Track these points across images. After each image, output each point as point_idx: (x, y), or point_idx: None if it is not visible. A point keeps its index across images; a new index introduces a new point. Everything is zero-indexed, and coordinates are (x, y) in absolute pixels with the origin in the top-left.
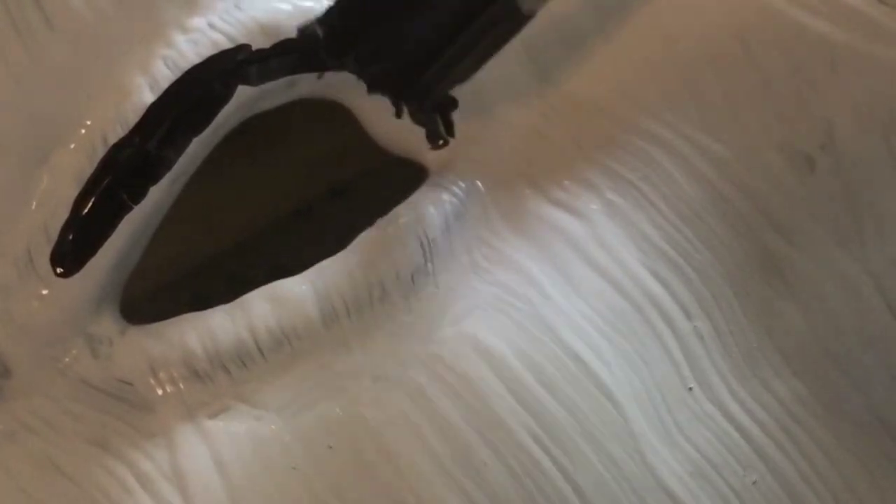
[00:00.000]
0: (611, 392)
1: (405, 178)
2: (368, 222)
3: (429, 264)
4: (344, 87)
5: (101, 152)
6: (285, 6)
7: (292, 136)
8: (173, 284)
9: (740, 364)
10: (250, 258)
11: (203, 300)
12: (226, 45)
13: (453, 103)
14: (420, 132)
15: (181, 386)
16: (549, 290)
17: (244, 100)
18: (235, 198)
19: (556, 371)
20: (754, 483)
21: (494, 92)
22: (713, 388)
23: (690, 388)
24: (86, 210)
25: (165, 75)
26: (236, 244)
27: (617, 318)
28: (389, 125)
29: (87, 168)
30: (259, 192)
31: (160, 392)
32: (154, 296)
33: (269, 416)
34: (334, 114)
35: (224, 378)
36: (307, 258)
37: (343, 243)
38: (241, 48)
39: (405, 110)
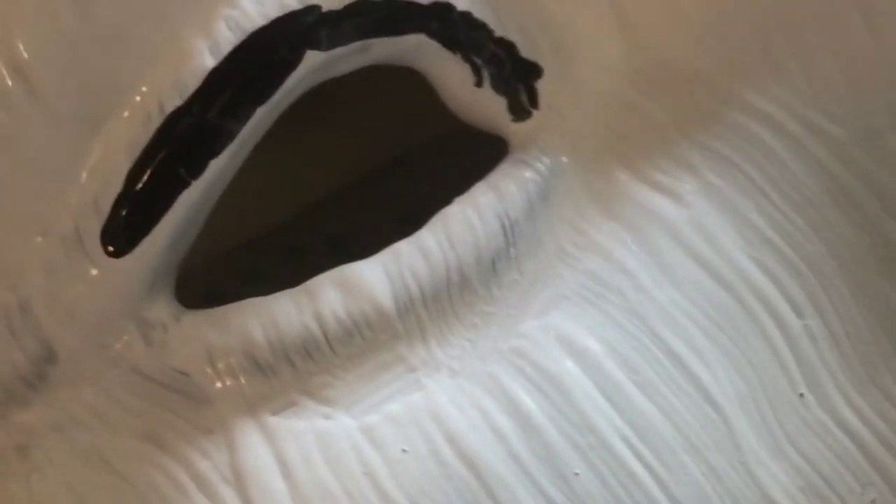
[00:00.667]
0: (712, 396)
1: (483, 151)
2: (439, 197)
3: (511, 249)
4: (420, 52)
5: (157, 122)
6: None
7: (357, 103)
8: (228, 258)
9: (857, 369)
10: (308, 229)
11: (260, 274)
12: (294, 5)
13: (538, 71)
14: (501, 102)
15: (242, 378)
16: (643, 281)
17: (313, 66)
18: (294, 166)
19: (652, 370)
20: (873, 502)
21: (582, 60)
22: (827, 394)
23: (801, 395)
24: (140, 184)
25: (228, 38)
26: (294, 215)
27: (718, 313)
28: (468, 94)
29: (143, 138)
30: (319, 161)
31: (218, 385)
32: (208, 269)
33: (338, 413)
34: (406, 80)
35: (289, 371)
36: (368, 231)
37: (409, 218)
38: (311, 9)
39: (486, 77)
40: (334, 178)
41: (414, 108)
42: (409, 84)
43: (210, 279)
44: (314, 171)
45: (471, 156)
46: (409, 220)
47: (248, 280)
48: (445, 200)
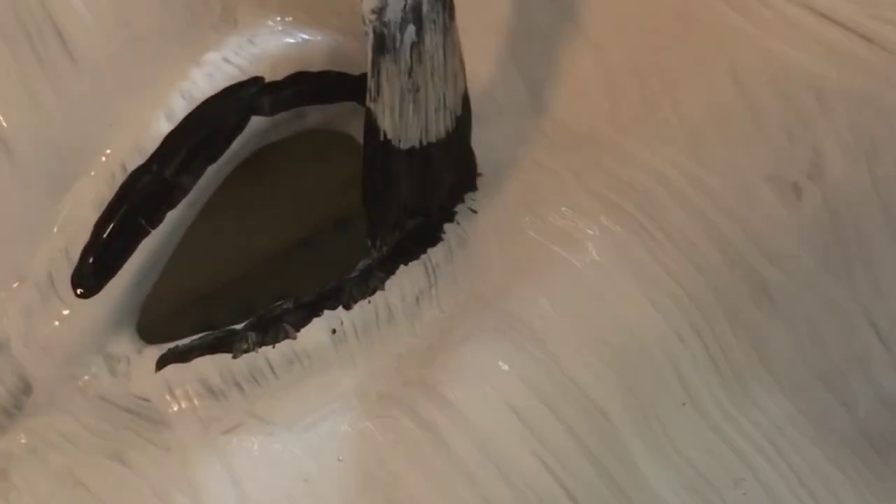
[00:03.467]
0: (605, 409)
1: None
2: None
3: (433, 289)
4: (353, 119)
5: (120, 179)
6: (297, 40)
7: (299, 167)
8: (185, 309)
9: (732, 383)
10: (257, 285)
11: (212, 324)
12: (240, 77)
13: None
14: None
15: (196, 402)
16: (548, 315)
17: (257, 130)
18: (243, 226)
19: (554, 390)
20: (744, 495)
21: (494, 125)
22: (705, 406)
23: (683, 404)
24: (106, 234)
25: (182, 106)
26: (243, 271)
27: (614, 339)
28: None
29: (107, 194)
30: (266, 221)
31: (176, 408)
32: (167, 320)
33: (281, 431)
34: (341, 145)
35: (237, 395)
36: (310, 286)
37: (345, 272)
38: (255, 80)
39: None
40: (279, 240)
41: (351, 173)
42: (347, 151)
43: (168, 331)
44: (264, 230)
45: None
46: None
47: (203, 331)
48: None
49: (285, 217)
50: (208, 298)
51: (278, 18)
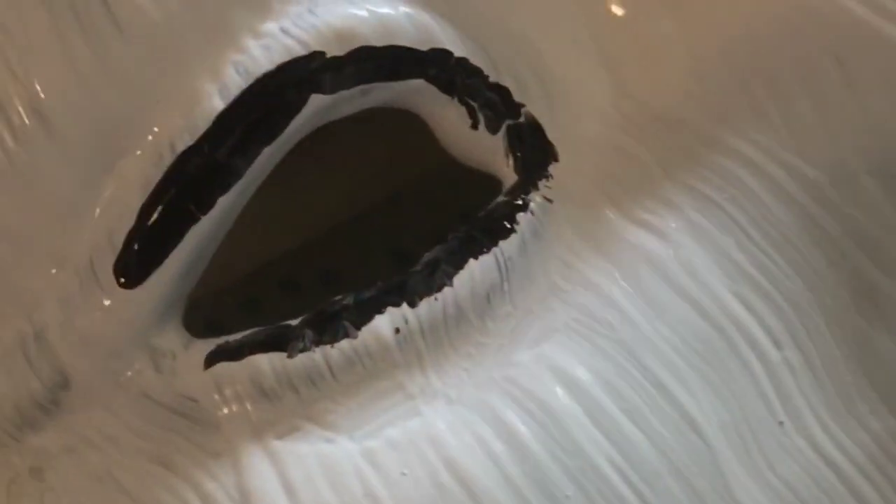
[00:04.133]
0: (697, 423)
1: (475, 189)
2: (430, 233)
3: (505, 284)
4: (418, 96)
5: (168, 160)
6: (361, 12)
7: (352, 141)
8: (227, 290)
9: (833, 399)
10: (304, 264)
11: (257, 305)
12: (299, 51)
13: (529, 115)
14: (496, 142)
15: (248, 405)
16: (630, 314)
17: (317, 108)
18: (291, 202)
19: (639, 399)
20: None
21: (572, 106)
22: (805, 422)
23: (781, 422)
24: (152, 220)
25: (236, 82)
26: (290, 250)
27: (702, 344)
28: (464, 135)
29: (154, 176)
30: (315, 198)
31: (225, 410)
32: (209, 300)
33: (341, 438)
34: (399, 119)
35: (293, 398)
36: (361, 265)
37: (401, 253)
38: (315, 55)
39: (481, 119)
40: (329, 214)
41: (406, 146)
42: (402, 123)
43: (210, 310)
44: (310, 207)
45: (460, 193)
46: (401, 255)
47: (246, 311)
48: (436, 236)
49: (333, 192)
50: (252, 278)
51: None
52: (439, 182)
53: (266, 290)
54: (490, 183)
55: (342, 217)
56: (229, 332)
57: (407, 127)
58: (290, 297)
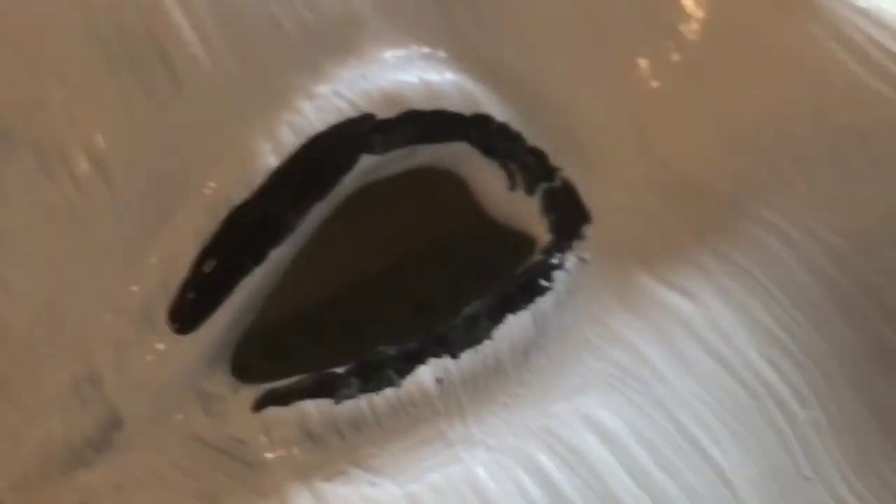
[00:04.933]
0: (726, 475)
1: (510, 246)
2: (454, 289)
3: (541, 338)
4: (460, 157)
5: (223, 213)
6: (410, 78)
7: (394, 197)
8: (252, 336)
9: (855, 456)
10: (328, 314)
11: (282, 352)
12: (350, 113)
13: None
14: (532, 203)
15: (294, 448)
16: (662, 370)
17: (366, 167)
18: (322, 254)
19: (671, 451)
20: None
21: (604, 171)
22: (829, 477)
23: (806, 477)
24: (207, 269)
25: (290, 141)
26: (319, 301)
27: (731, 400)
28: (502, 195)
29: (209, 228)
30: (352, 250)
31: (273, 453)
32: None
33: (384, 481)
34: (440, 179)
35: (338, 442)
36: (384, 318)
37: (423, 307)
38: (366, 118)
39: (519, 181)
40: (358, 268)
41: (435, 205)
42: (432, 181)
43: (236, 355)
44: (341, 259)
45: (481, 251)
46: (423, 310)
47: (271, 357)
48: (457, 291)
49: (364, 246)
50: (277, 325)
51: (391, 53)
52: (462, 240)
53: (289, 337)
54: (510, 242)
55: (369, 270)
56: (253, 377)
57: (438, 186)
58: (312, 346)
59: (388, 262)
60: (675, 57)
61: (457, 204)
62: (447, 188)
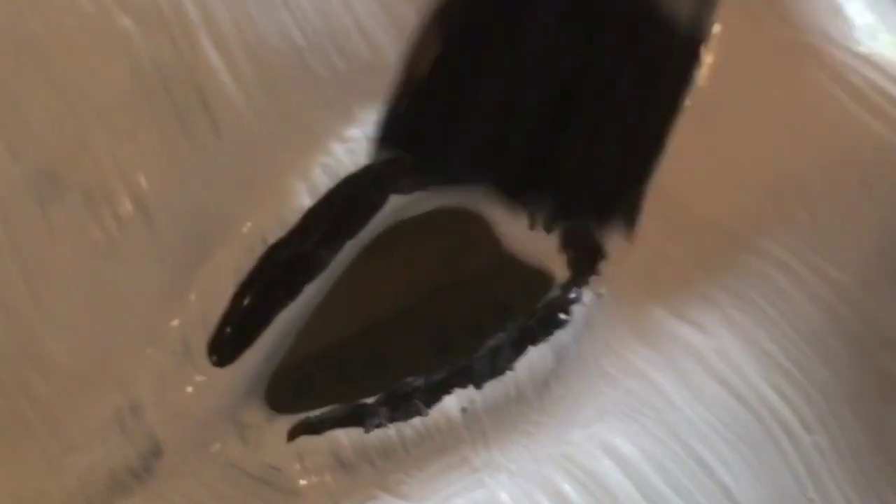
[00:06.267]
0: (735, 497)
1: (527, 281)
2: (471, 326)
3: (560, 369)
4: (483, 198)
5: (260, 251)
6: None
7: (418, 234)
8: (282, 370)
9: (858, 477)
10: (352, 350)
11: (307, 388)
12: (381, 155)
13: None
14: (550, 241)
15: (327, 475)
16: (673, 398)
17: (395, 207)
18: (349, 291)
19: (683, 474)
20: None
21: None
22: (833, 500)
23: (811, 500)
24: (244, 304)
25: (323, 181)
26: (342, 336)
27: (740, 427)
28: (522, 234)
29: (247, 265)
30: (375, 287)
31: (306, 480)
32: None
33: None
34: (460, 216)
35: (368, 469)
36: (410, 352)
37: (442, 343)
38: (396, 159)
39: (538, 219)
40: (379, 302)
41: (456, 245)
42: (452, 221)
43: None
44: (368, 296)
45: (495, 288)
46: (444, 344)
47: (297, 389)
48: (472, 327)
49: (395, 280)
50: (301, 363)
51: None
52: (481, 275)
53: (315, 373)
54: (525, 278)
55: (392, 306)
56: (283, 410)
57: (457, 226)
58: (336, 379)
59: (411, 299)
60: (686, 101)
61: (479, 241)
62: (469, 226)
